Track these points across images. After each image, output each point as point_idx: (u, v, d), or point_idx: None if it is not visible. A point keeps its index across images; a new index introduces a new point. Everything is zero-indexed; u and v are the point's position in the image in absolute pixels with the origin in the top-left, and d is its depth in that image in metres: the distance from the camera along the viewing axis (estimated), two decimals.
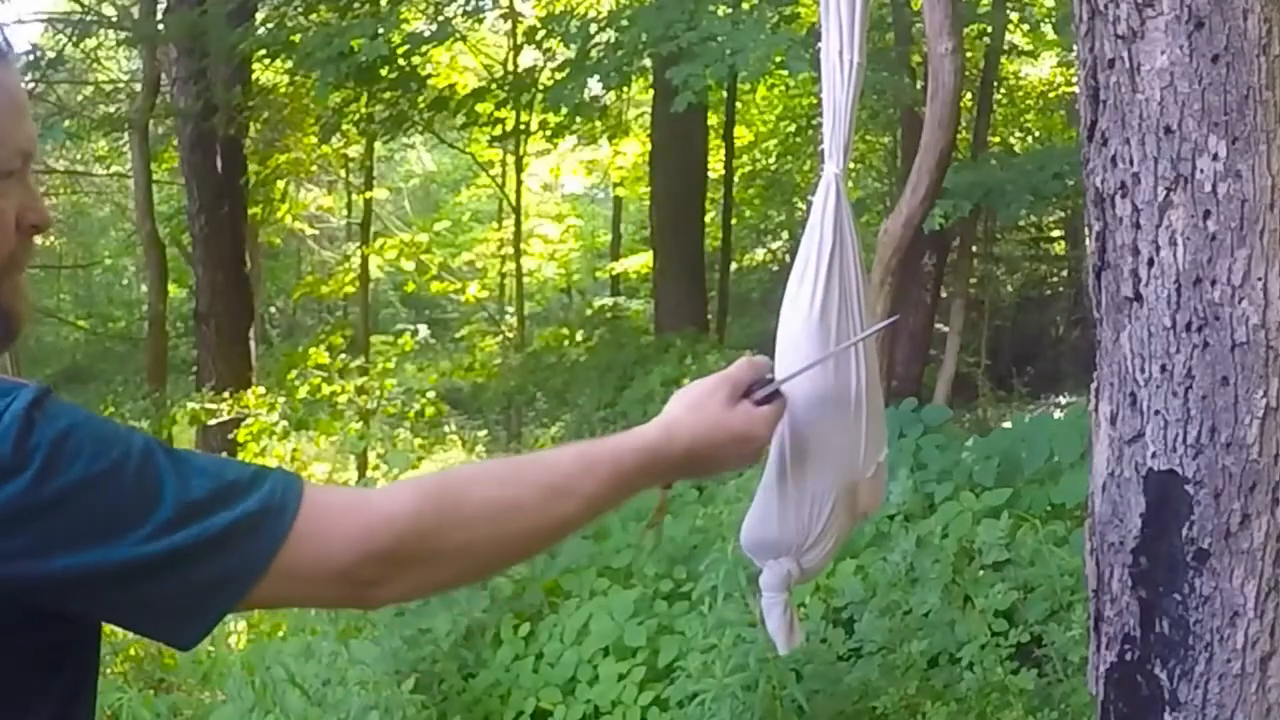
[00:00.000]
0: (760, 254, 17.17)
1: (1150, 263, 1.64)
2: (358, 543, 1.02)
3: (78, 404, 1.01)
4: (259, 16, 10.36)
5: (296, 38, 9.28)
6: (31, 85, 11.29)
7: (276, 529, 0.99)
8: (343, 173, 14.46)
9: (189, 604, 0.98)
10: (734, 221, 13.71)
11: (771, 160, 15.27)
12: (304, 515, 1.00)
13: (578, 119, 10.14)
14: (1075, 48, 1.75)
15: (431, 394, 11.27)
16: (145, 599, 0.97)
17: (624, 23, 8.02)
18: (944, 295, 11.63)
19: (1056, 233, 17.24)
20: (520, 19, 11.70)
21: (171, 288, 12.59)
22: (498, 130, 11.75)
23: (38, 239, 1.10)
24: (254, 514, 0.98)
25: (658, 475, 1.26)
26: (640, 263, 13.95)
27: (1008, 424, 6.86)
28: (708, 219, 12.11)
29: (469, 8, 11.22)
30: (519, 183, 12.91)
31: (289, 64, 9.89)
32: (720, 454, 1.29)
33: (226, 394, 9.63)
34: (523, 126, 11.48)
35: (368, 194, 13.81)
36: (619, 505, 1.23)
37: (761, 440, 1.32)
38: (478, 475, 1.17)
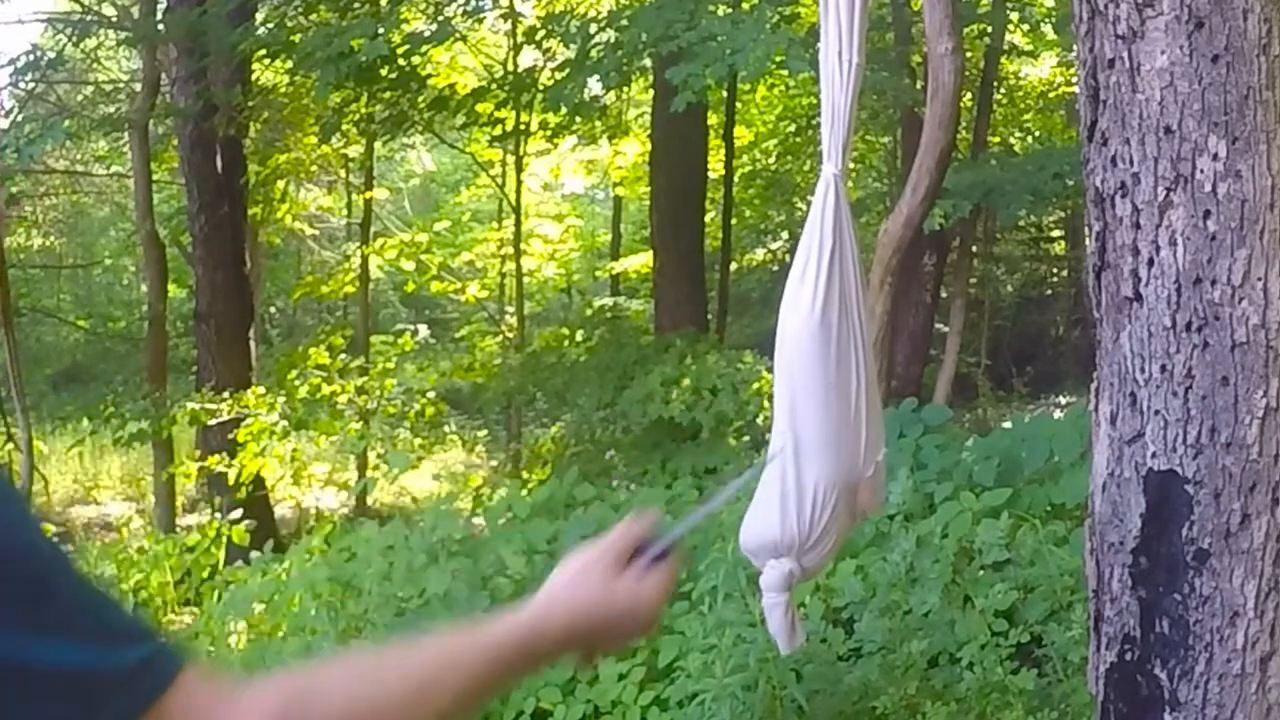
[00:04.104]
0: (760, 254, 17.17)
1: (1150, 263, 1.64)
2: None
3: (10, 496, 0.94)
4: (259, 16, 10.36)
5: (296, 38, 9.27)
6: (31, 85, 11.29)
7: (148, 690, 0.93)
8: (343, 173, 14.44)
9: None
10: (734, 221, 13.71)
11: (771, 160, 15.27)
12: (176, 690, 0.95)
13: (578, 119, 10.13)
14: (1075, 48, 1.75)
15: (431, 394, 11.25)
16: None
17: (624, 23, 8.01)
18: (944, 295, 11.64)
19: (1056, 233, 17.25)
20: (520, 19, 11.69)
21: (171, 288, 12.57)
22: (498, 130, 11.74)
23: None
24: (130, 668, 0.92)
25: (542, 656, 1.22)
26: (640, 263, 13.93)
27: (1008, 424, 6.86)
28: (708, 219, 12.09)
29: (469, 8, 11.21)
30: (519, 183, 12.89)
31: (289, 64, 9.87)
32: (604, 631, 1.24)
33: (226, 394, 9.62)
34: (523, 126, 11.47)
35: (368, 194, 13.79)
36: (505, 688, 1.18)
37: (650, 611, 1.25)
38: (341, 678, 1.14)
